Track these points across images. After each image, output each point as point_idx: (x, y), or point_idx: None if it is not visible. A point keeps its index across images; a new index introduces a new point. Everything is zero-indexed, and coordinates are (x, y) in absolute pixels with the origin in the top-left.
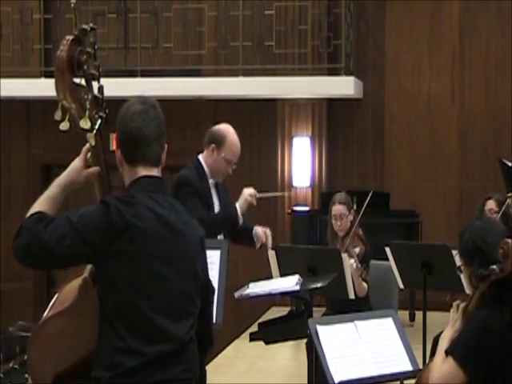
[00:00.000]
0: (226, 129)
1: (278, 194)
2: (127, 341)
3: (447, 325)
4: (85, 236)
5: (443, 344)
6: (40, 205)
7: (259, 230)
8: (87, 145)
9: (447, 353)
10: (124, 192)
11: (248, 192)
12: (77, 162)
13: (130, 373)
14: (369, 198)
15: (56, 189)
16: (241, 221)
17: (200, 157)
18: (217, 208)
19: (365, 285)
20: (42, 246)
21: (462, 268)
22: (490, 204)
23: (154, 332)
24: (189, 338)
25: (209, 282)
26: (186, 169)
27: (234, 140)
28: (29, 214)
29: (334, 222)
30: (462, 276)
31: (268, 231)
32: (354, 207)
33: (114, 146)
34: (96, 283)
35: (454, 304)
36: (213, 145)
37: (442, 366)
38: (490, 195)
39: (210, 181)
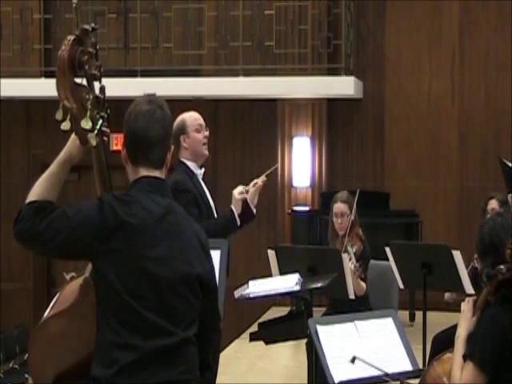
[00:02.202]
0: (179, 117)
1: (269, 170)
2: (123, 336)
3: (460, 319)
4: (79, 233)
5: (459, 343)
6: (38, 187)
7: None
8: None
9: (465, 357)
10: (125, 191)
11: (237, 191)
12: (73, 135)
13: (127, 370)
14: (356, 197)
15: (54, 167)
16: (239, 222)
17: (181, 158)
18: (212, 203)
19: (363, 284)
20: (38, 238)
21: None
22: (493, 204)
23: (149, 328)
24: (186, 337)
25: (214, 285)
26: (176, 173)
27: (190, 114)
28: (28, 201)
29: (334, 219)
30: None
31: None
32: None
33: (114, 146)
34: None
35: (466, 298)
36: (181, 136)
37: (464, 372)
38: (492, 195)
39: (198, 172)
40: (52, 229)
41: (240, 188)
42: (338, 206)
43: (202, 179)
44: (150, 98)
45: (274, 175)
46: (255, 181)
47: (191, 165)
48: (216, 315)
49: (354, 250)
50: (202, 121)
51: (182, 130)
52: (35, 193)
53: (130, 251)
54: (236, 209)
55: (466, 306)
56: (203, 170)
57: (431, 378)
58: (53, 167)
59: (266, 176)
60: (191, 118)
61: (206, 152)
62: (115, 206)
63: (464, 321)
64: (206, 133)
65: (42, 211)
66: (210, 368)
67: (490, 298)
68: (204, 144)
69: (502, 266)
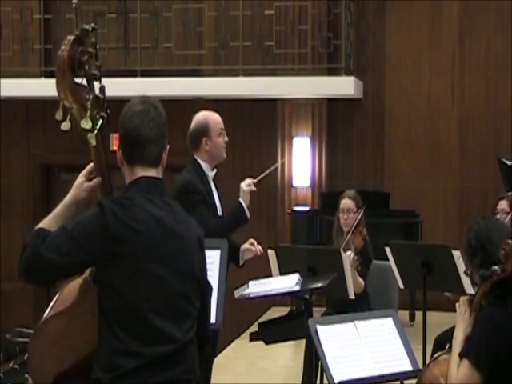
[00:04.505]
0: (202, 116)
1: (274, 167)
2: (126, 342)
3: (457, 322)
4: (81, 243)
5: (457, 344)
6: (43, 223)
7: (246, 246)
8: (90, 165)
9: (462, 355)
10: (122, 192)
11: (244, 184)
12: (78, 179)
13: (129, 374)
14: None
15: (60, 208)
16: (248, 215)
17: (196, 157)
18: (218, 204)
19: (361, 280)
20: (41, 258)
21: (465, 264)
22: (503, 204)
23: (152, 333)
24: (188, 339)
25: (207, 283)
26: (186, 172)
27: (213, 116)
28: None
29: (341, 215)
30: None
31: (253, 241)
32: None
33: (114, 146)
34: (95, 285)
35: (461, 299)
36: (204, 138)
37: (459, 370)
38: (503, 195)
39: (210, 174)
40: (54, 246)
41: (248, 180)
42: (345, 202)
43: (213, 180)
44: (144, 99)
45: (274, 175)
46: (257, 179)
47: (204, 165)
48: (208, 306)
49: (355, 245)
50: (222, 125)
51: (206, 132)
52: (40, 225)
53: (132, 254)
54: (244, 201)
55: (462, 307)
56: (215, 171)
57: (427, 379)
58: (59, 208)
59: (268, 174)
60: (215, 121)
61: (225, 155)
62: (116, 210)
63: (461, 322)
64: (226, 138)
65: (42, 233)
66: (209, 341)
67: (482, 302)
68: (224, 148)
69: (496, 267)
